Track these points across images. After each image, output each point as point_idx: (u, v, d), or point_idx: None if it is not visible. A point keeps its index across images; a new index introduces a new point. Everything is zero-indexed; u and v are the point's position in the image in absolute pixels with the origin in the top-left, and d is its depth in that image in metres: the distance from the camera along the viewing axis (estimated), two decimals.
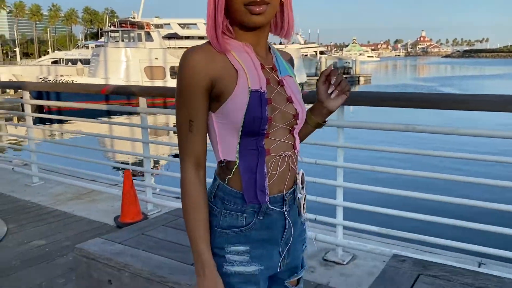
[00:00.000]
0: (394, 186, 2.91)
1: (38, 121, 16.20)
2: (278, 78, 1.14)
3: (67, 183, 4.80)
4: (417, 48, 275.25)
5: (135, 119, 14.42)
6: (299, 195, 1.21)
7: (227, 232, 1.12)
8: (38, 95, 20.29)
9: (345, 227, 3.08)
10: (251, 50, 1.11)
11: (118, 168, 7.69)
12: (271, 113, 1.08)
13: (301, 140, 1.23)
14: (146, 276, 1.84)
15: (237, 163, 1.10)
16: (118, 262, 1.92)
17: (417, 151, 2.68)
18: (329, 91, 1.22)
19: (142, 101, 3.86)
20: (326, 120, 1.30)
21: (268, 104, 1.07)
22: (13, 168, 5.37)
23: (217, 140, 1.11)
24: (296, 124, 1.14)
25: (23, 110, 5.06)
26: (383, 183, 3.14)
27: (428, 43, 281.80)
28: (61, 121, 16.14)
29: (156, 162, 9.52)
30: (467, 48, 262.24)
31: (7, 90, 23.76)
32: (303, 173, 1.20)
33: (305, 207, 1.23)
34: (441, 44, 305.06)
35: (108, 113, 19.82)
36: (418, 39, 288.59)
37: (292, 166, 1.15)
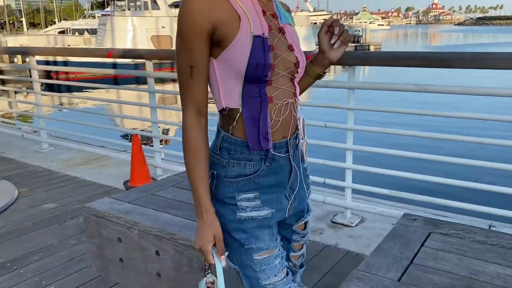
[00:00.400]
0: (404, 149, 2.87)
1: (47, 89, 16.25)
2: (279, 25, 1.12)
3: (76, 149, 4.82)
4: (429, 16, 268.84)
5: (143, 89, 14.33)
6: (300, 141, 1.23)
7: (237, 181, 1.12)
8: (46, 64, 20.27)
9: (354, 190, 3.07)
10: None
11: (126, 135, 7.71)
12: (274, 60, 1.07)
13: (300, 92, 1.22)
14: (155, 233, 1.84)
15: (240, 110, 1.09)
16: (127, 220, 1.92)
17: (428, 111, 2.63)
18: (332, 41, 1.23)
19: (149, 65, 3.82)
20: (326, 71, 1.30)
21: (270, 50, 1.06)
22: (22, 135, 5.41)
23: (219, 87, 1.09)
24: (297, 72, 1.14)
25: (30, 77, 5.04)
26: (393, 146, 3.10)
27: (440, 11, 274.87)
28: (69, 89, 16.13)
29: (165, 129, 9.53)
30: (481, 15, 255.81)
31: (15, 60, 23.71)
32: (303, 119, 1.22)
33: (306, 152, 1.26)
34: (453, 11, 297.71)
35: (116, 82, 19.78)
36: (430, 6, 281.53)
37: (294, 113, 1.16)
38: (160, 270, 1.84)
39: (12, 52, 7.20)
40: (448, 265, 1.46)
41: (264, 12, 1.09)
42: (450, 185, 2.67)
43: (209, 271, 1.18)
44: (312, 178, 3.16)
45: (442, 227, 1.80)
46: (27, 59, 4.88)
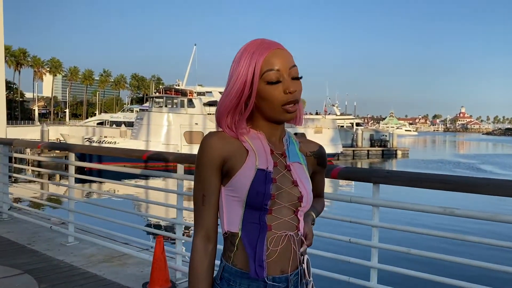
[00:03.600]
0: (431, 270, 2.79)
1: (78, 180, 16.77)
2: (286, 163, 1.21)
3: (101, 245, 4.86)
4: (456, 124, 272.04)
5: (171, 182, 14.71)
6: (308, 282, 1.23)
7: None
8: (82, 156, 21.19)
9: None
10: (263, 137, 1.20)
11: (150, 233, 7.75)
12: (275, 191, 1.15)
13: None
14: None
15: (240, 235, 1.15)
16: None
17: (453, 235, 2.59)
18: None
19: (180, 167, 3.97)
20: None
21: (272, 182, 1.15)
22: (51, 227, 5.52)
23: (224, 212, 1.18)
24: (300, 206, 1.19)
25: (65, 169, 5.27)
26: (418, 267, 3.01)
27: (468, 120, 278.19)
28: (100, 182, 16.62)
29: (187, 228, 9.53)
30: (509, 126, 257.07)
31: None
32: (308, 259, 1.23)
33: None
34: (481, 121, 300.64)
35: (147, 177, 20.30)
36: (458, 115, 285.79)
37: (294, 246, 1.18)
38: None
39: (54, 147, 7.63)
40: None
41: (272, 152, 1.20)
42: None
43: None
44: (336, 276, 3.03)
45: None
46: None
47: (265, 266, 1.13)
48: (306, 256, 1.22)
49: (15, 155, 6.82)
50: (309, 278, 1.23)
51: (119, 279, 3.99)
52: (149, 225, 10.35)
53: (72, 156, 5.19)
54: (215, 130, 1.21)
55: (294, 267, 1.18)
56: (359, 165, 38.81)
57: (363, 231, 3.13)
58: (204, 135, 1.22)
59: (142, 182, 18.31)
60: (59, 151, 23.84)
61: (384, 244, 2.86)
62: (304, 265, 1.20)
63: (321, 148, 1.36)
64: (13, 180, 7.63)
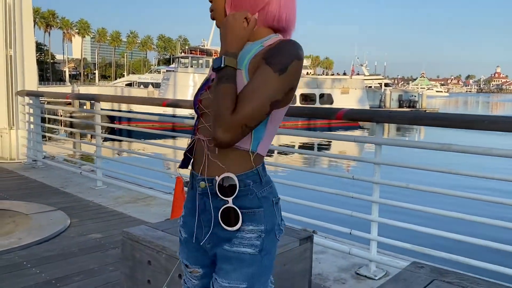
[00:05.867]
0: (430, 205, 2.94)
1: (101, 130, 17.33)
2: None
3: (127, 188, 5.21)
4: (491, 85, 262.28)
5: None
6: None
7: None
8: (110, 118, 21.84)
9: (379, 243, 3.13)
10: None
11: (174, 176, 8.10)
12: (203, 97, 1.27)
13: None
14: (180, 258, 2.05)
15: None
16: (157, 244, 2.15)
17: (451, 170, 2.72)
18: None
19: None
20: None
21: (204, 90, 1.27)
22: (81, 172, 5.92)
23: None
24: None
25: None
26: (419, 201, 3.17)
27: (504, 80, 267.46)
28: (129, 135, 17.14)
29: None
30: None
31: (85, 107, 25.64)
32: (220, 178, 1.20)
33: (233, 218, 1.20)
34: None
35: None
36: (492, 75, 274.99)
37: (207, 151, 1.23)
38: None
39: (81, 98, 7.99)
40: None
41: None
42: (479, 245, 2.68)
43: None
44: (339, 228, 3.27)
45: (447, 276, 1.87)
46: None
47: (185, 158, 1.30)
48: (217, 178, 1.21)
49: (47, 106, 7.20)
50: (224, 198, 1.20)
51: (143, 217, 4.32)
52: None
53: (98, 106, 5.47)
54: None
55: (203, 172, 1.23)
56: (385, 126, 38.33)
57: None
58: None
59: (170, 142, 18.75)
60: (89, 107, 24.57)
61: (384, 180, 3.02)
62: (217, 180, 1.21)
63: (279, 43, 1.19)
64: (46, 139, 8.05)
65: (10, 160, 6.80)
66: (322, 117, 3.19)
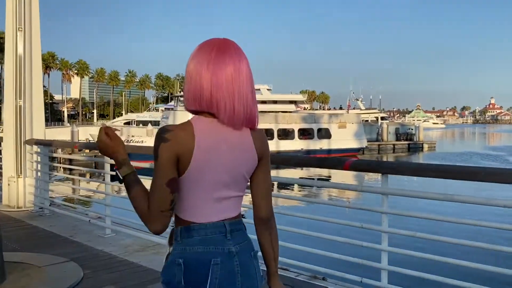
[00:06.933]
0: (439, 252, 3.04)
1: (111, 178, 17.42)
2: None
3: (136, 236, 5.28)
4: (486, 116, 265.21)
5: None
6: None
7: None
8: None
9: None
10: None
11: None
12: None
13: None
14: None
15: None
16: None
17: (453, 219, 2.84)
18: None
19: None
20: None
21: None
22: (89, 220, 5.99)
23: None
24: None
25: (95, 167, 5.70)
26: (427, 249, 3.27)
27: (498, 111, 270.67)
28: None
29: None
30: None
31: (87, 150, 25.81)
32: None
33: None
34: None
35: None
36: (487, 106, 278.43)
37: None
38: None
39: (89, 147, 8.14)
40: None
41: None
42: None
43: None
44: (350, 277, 3.35)
45: None
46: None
47: None
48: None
49: (55, 154, 7.33)
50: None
51: (153, 266, 4.37)
52: None
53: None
54: None
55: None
56: (384, 159, 38.54)
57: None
58: None
59: None
60: (88, 150, 24.73)
61: (393, 229, 3.13)
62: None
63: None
64: (52, 179, 8.14)
65: (17, 208, 6.87)
66: (330, 167, 3.34)
